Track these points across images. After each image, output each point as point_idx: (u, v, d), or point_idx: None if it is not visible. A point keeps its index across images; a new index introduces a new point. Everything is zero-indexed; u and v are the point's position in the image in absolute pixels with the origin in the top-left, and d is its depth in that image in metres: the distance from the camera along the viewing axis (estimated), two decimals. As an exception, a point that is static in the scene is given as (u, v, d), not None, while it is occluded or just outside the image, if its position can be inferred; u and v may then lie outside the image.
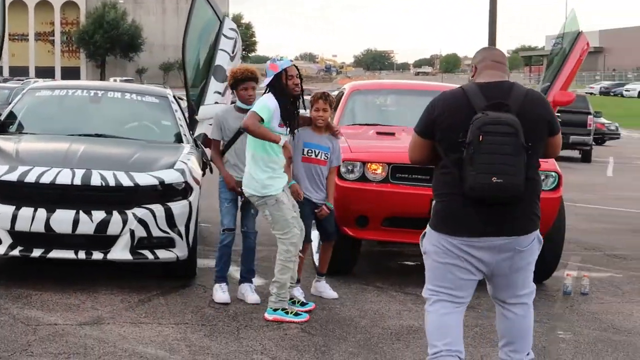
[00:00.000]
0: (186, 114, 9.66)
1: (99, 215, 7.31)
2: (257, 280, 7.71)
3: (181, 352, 5.90)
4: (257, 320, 6.80)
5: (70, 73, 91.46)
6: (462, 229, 4.94)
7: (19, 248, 7.33)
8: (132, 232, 7.36)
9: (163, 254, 7.54)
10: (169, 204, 7.52)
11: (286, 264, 6.83)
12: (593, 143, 28.55)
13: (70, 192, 7.34)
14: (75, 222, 7.26)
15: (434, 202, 5.12)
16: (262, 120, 6.68)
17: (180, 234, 7.55)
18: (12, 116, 9.14)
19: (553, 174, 8.12)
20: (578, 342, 6.65)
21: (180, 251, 7.59)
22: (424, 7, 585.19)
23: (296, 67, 7.05)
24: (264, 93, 6.93)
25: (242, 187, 7.03)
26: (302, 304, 7.13)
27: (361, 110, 10.24)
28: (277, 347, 6.12)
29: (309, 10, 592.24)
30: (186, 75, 9.54)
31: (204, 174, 8.60)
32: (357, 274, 8.57)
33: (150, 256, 7.49)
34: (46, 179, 7.32)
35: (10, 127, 8.97)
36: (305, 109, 7.41)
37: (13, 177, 7.33)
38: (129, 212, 7.37)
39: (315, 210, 7.40)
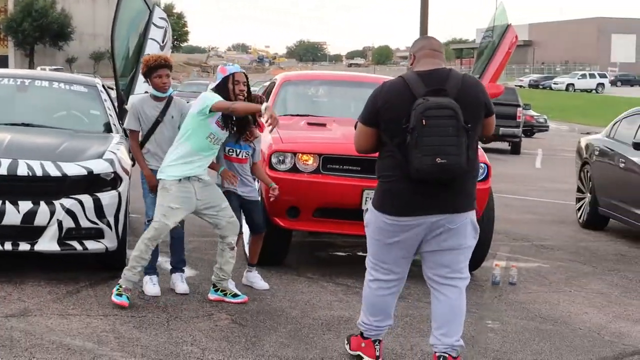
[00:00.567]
0: (115, 104, 9.54)
1: (25, 205, 7.18)
2: (187, 272, 7.66)
3: (110, 344, 5.84)
4: (187, 311, 6.76)
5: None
6: (399, 209, 5.29)
7: (-57, 239, 7.17)
8: (59, 223, 7.25)
9: (92, 245, 7.45)
10: (97, 194, 7.42)
11: (144, 241, 6.80)
12: (522, 135, 28.95)
13: (-4, 182, 7.20)
14: (1, 213, 7.12)
15: (378, 183, 5.46)
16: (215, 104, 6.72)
17: (109, 225, 7.46)
18: (-64, 105, 8.93)
19: (482, 165, 8.19)
20: (506, 331, 6.74)
21: (109, 242, 7.51)
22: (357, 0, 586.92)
23: (245, 75, 7.02)
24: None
25: None
26: (235, 296, 7.10)
27: (293, 100, 10.22)
28: (207, 338, 6.09)
29: (241, 0, 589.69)
30: (115, 65, 9.43)
31: (133, 164, 8.49)
32: (288, 265, 8.57)
33: (78, 247, 7.40)
34: (-29, 169, 7.17)
35: None
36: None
37: (-63, 166, 7.16)
38: (56, 203, 7.25)
39: (270, 195, 7.37)
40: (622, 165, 11.34)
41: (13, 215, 7.15)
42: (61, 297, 6.96)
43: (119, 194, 7.56)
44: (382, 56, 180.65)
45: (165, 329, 6.24)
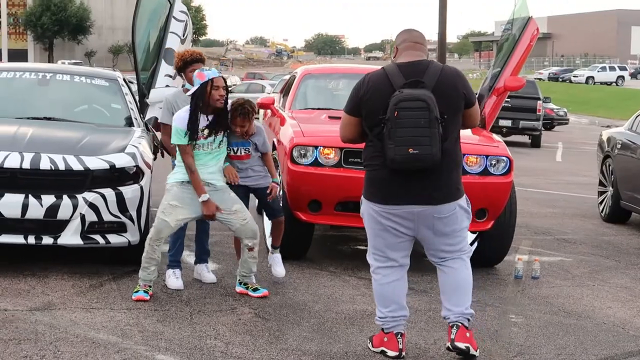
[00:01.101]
0: (136, 97, 9.55)
1: (48, 199, 7.20)
2: (210, 265, 7.66)
3: (133, 338, 5.85)
4: (210, 305, 6.76)
5: (18, 55, 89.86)
6: (384, 197, 5.50)
7: (-33, 233, 7.20)
8: (82, 217, 7.27)
9: (114, 239, 7.46)
10: (120, 188, 7.43)
11: (147, 242, 6.82)
12: (542, 128, 28.79)
13: (19, 176, 7.22)
14: (25, 207, 7.15)
15: (365, 171, 5.67)
16: (183, 145, 6.75)
17: (131, 219, 7.47)
18: (-42, 99, 8.96)
19: (504, 158, 8.16)
20: (529, 325, 6.70)
21: (132, 236, 7.52)
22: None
23: (224, 79, 6.98)
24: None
25: None
26: (255, 290, 7.10)
27: (313, 94, 10.21)
28: (230, 332, 6.09)
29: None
30: (136, 59, 9.42)
31: (155, 158, 8.52)
32: (310, 259, 8.57)
33: (101, 241, 7.41)
34: (-6, 163, 7.19)
35: (-43, 110, 8.79)
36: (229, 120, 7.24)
37: (-40, 160, 7.19)
38: (79, 197, 7.27)
39: (267, 192, 7.36)
40: (644, 158, 11.26)
41: (36, 209, 7.17)
42: (85, 290, 6.98)
43: (141, 187, 7.57)
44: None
45: (188, 323, 6.25)
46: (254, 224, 7.04)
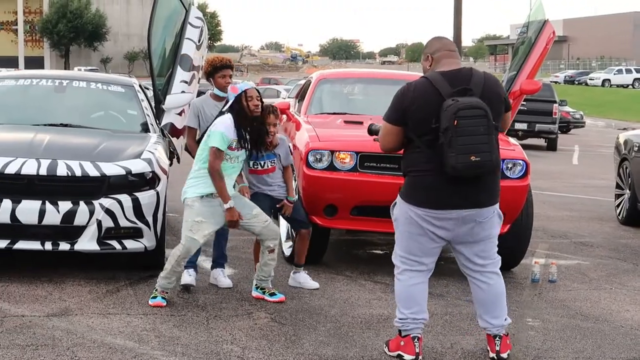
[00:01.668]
0: (152, 103, 9.58)
1: (65, 205, 7.24)
2: (226, 270, 7.68)
3: (150, 343, 5.86)
4: (227, 310, 6.77)
5: (34, 62, 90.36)
6: (430, 202, 5.52)
7: (-16, 239, 7.24)
8: (99, 223, 7.30)
9: (131, 244, 7.49)
10: (136, 194, 7.46)
11: (175, 258, 6.79)
12: (558, 131, 28.70)
13: (36, 183, 7.26)
14: (42, 213, 7.18)
15: (406, 177, 5.64)
16: (221, 150, 6.73)
17: (148, 224, 7.49)
18: (-24, 106, 9.01)
19: (521, 162, 8.15)
20: (547, 329, 6.68)
21: (148, 241, 7.54)
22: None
23: (257, 89, 7.02)
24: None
25: None
26: (272, 294, 7.11)
27: (329, 99, 10.21)
28: (247, 337, 6.09)
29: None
30: (152, 65, 9.45)
31: (171, 164, 8.55)
32: (326, 264, 8.57)
33: (117, 246, 7.44)
34: (11, 170, 7.23)
35: (-26, 117, 8.84)
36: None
37: (-22, 167, 7.23)
38: (95, 203, 7.30)
39: (277, 206, 7.40)
40: (662, 161, 11.20)
41: (53, 215, 7.20)
42: (101, 296, 7.00)
43: (157, 193, 7.59)
44: (416, 53, 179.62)
45: (205, 328, 6.26)
46: (274, 225, 7.08)
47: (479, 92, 5.45)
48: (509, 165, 8.09)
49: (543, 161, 22.63)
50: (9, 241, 7.26)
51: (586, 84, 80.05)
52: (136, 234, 7.49)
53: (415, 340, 5.70)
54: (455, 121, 5.26)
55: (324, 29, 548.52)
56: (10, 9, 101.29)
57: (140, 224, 7.45)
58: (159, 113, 9.37)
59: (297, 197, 7.65)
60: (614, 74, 79.86)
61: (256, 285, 7.17)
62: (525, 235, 8.53)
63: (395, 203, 5.79)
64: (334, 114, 9.62)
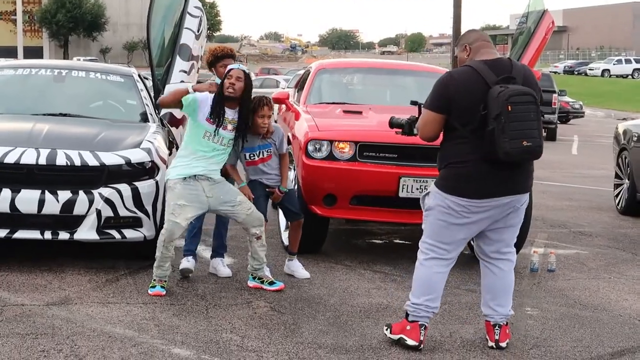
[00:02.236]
0: (152, 93, 9.58)
1: (64, 195, 7.24)
2: (225, 259, 7.69)
3: (150, 332, 5.88)
4: (226, 299, 6.79)
5: (33, 52, 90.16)
6: (475, 192, 5.57)
7: (-16, 229, 7.25)
8: (98, 212, 7.31)
9: (130, 234, 7.50)
10: (135, 183, 7.47)
11: (161, 243, 6.81)
12: (558, 121, 28.69)
13: (35, 172, 7.26)
14: (41, 202, 7.19)
15: (444, 168, 5.67)
16: (187, 97, 6.81)
17: (147, 214, 7.50)
18: (-25, 96, 9.01)
19: (520, 151, 8.13)
20: (545, 318, 6.70)
21: (147, 231, 7.55)
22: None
23: (245, 72, 7.02)
24: None
25: None
26: (271, 283, 7.12)
27: (328, 88, 10.21)
28: (246, 326, 6.11)
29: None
30: (151, 55, 9.44)
31: (170, 153, 8.54)
32: (325, 253, 8.58)
33: (117, 236, 7.45)
34: (10, 159, 7.23)
35: (-27, 106, 8.84)
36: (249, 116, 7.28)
37: (-23, 157, 7.23)
38: (95, 192, 7.31)
39: (267, 190, 7.41)
40: (661, 150, 11.21)
41: (52, 204, 7.21)
42: (101, 285, 7.01)
43: (157, 183, 7.60)
44: (415, 43, 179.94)
45: (204, 317, 6.27)
46: (258, 212, 7.08)
47: (521, 80, 5.56)
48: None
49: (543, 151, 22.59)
50: (8, 230, 7.26)
51: (586, 74, 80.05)
52: (135, 223, 7.50)
53: (422, 328, 5.74)
54: (509, 107, 5.33)
55: (323, 19, 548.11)
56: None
57: (139, 214, 7.46)
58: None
59: (292, 187, 7.64)
60: (614, 64, 79.81)
61: (252, 275, 7.17)
62: (525, 225, 8.47)
63: (428, 193, 5.79)
64: (333, 103, 9.62)
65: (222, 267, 7.52)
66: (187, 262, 7.38)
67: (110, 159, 7.42)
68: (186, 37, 9.53)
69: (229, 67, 7.00)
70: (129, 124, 8.64)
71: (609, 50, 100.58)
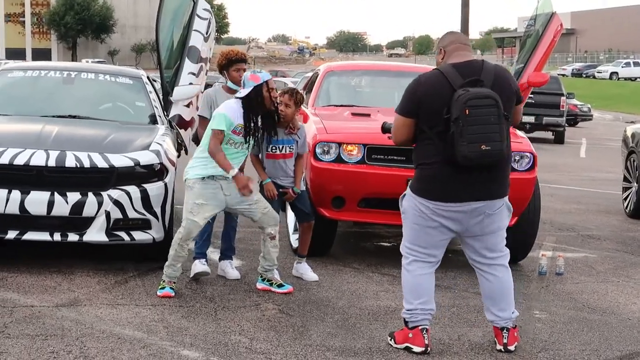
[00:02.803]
0: (160, 95, 9.60)
1: (74, 196, 7.26)
2: (234, 261, 7.70)
3: (159, 334, 5.89)
4: (235, 301, 6.80)
5: (41, 54, 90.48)
6: (441, 194, 5.56)
7: (-6, 230, 7.27)
8: (107, 214, 7.32)
9: (139, 236, 7.51)
10: (144, 185, 7.48)
11: (177, 241, 6.83)
12: (566, 124, 28.66)
13: (44, 174, 7.28)
14: (50, 204, 7.21)
15: (416, 168, 5.69)
16: (223, 132, 6.74)
17: (156, 216, 7.52)
18: (-16, 98, 9.04)
19: (528, 154, 8.15)
20: (554, 321, 6.69)
21: (156, 233, 7.56)
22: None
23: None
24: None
25: None
26: (280, 286, 7.13)
27: (336, 91, 10.22)
28: (254, 328, 6.12)
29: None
30: (160, 57, 9.46)
31: (179, 156, 8.57)
32: (333, 255, 8.58)
33: (126, 238, 7.46)
34: (20, 161, 7.26)
35: (-17, 108, 8.87)
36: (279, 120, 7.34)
37: (-14, 158, 7.26)
38: (104, 194, 7.32)
39: (281, 190, 7.42)
40: (669, 154, 11.19)
41: (62, 206, 7.23)
42: (110, 287, 7.03)
43: (165, 185, 7.62)
44: (423, 46, 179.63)
45: (213, 319, 6.28)
46: (274, 211, 7.10)
47: (490, 83, 5.51)
48: (517, 158, 8.09)
49: (550, 154, 22.61)
50: (18, 232, 7.28)
51: (594, 77, 79.87)
52: (144, 225, 7.51)
53: (424, 332, 5.72)
54: (466, 110, 5.32)
55: (331, 22, 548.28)
56: (18, 1, 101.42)
57: (148, 215, 7.48)
58: (166, 105, 9.38)
59: (304, 189, 7.65)
60: (622, 66, 79.65)
61: (262, 276, 7.18)
62: (533, 228, 8.53)
63: (405, 195, 5.83)
64: (342, 106, 9.63)
65: (231, 269, 7.53)
66: (201, 265, 7.39)
67: (120, 160, 7.44)
68: (195, 40, 9.55)
69: (265, 77, 6.89)
70: (138, 126, 8.66)
71: (617, 53, 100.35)
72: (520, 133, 8.72)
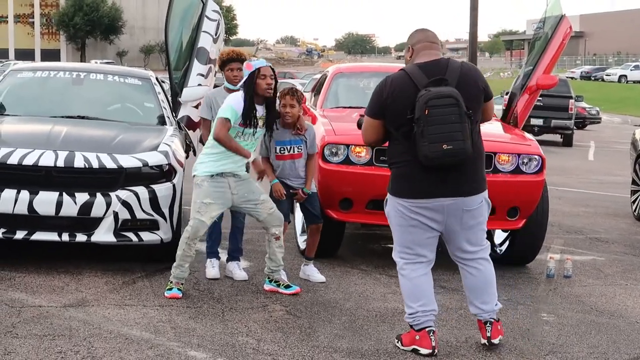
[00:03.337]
0: (169, 96, 9.61)
1: (82, 197, 7.27)
2: (241, 263, 7.71)
3: (166, 334, 5.90)
4: (242, 302, 6.80)
5: (50, 55, 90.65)
6: (412, 192, 5.61)
7: (2, 230, 7.29)
8: (115, 215, 7.33)
9: (147, 237, 7.52)
10: (152, 186, 7.49)
11: (184, 240, 6.84)
12: (574, 127, 28.61)
13: (53, 174, 7.30)
14: (59, 204, 7.22)
15: (389, 168, 5.81)
16: (229, 120, 6.74)
17: (164, 217, 7.53)
18: (-7, 98, 9.06)
19: (536, 157, 8.14)
20: (562, 324, 6.68)
21: (164, 233, 7.57)
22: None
23: (272, 68, 7.02)
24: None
25: None
26: (287, 287, 7.13)
27: (345, 93, 10.22)
28: (262, 329, 6.12)
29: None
30: (169, 58, 9.49)
31: (187, 156, 8.57)
32: (341, 257, 8.58)
33: (134, 238, 7.47)
34: (29, 161, 7.27)
35: (-8, 109, 8.89)
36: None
37: (-5, 158, 7.27)
38: (112, 194, 7.34)
39: (291, 191, 7.42)
40: (678, 157, 11.16)
41: (70, 206, 7.24)
42: (117, 287, 7.04)
43: (174, 185, 7.63)
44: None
45: (220, 320, 6.29)
46: (279, 212, 7.11)
47: (455, 81, 5.49)
48: (525, 161, 8.09)
49: (559, 157, 22.58)
50: (26, 232, 7.30)
51: (602, 80, 79.66)
52: (152, 226, 7.52)
53: (431, 333, 5.71)
54: (427, 110, 5.34)
55: (339, 24, 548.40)
56: (27, 2, 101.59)
57: (156, 216, 7.49)
58: (175, 106, 9.40)
59: (315, 190, 7.65)
60: (631, 69, 79.39)
61: (268, 277, 7.19)
62: (541, 230, 8.52)
63: (387, 199, 5.86)
64: (350, 107, 9.63)
65: (238, 270, 7.54)
66: (212, 269, 7.45)
67: (128, 161, 7.45)
68: (204, 41, 9.57)
69: (257, 64, 6.92)
70: (147, 126, 8.67)
71: (626, 56, 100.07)
72: (528, 135, 8.71)
